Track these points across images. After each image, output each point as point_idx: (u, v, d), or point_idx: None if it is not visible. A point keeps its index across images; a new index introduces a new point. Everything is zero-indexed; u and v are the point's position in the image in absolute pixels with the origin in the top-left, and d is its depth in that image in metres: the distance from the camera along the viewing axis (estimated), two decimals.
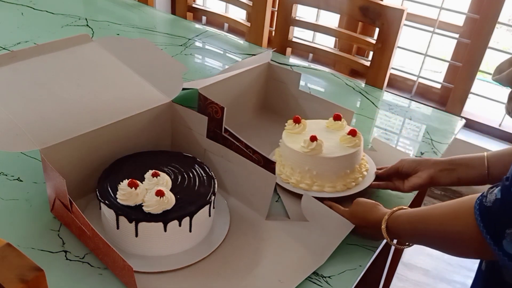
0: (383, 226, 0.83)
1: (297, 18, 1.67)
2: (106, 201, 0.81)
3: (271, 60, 1.26)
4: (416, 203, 1.26)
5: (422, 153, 1.19)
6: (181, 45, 1.61)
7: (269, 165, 0.92)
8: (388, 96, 1.48)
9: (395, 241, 0.85)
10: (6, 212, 0.89)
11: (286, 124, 1.06)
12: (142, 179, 0.85)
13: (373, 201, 0.91)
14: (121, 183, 0.83)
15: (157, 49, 1.20)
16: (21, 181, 0.97)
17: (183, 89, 1.15)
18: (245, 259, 0.84)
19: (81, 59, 1.07)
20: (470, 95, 2.19)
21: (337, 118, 1.06)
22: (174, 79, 1.07)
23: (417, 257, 1.96)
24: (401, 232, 0.83)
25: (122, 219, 0.79)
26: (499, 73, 0.74)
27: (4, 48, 1.45)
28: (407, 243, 0.86)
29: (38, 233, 0.85)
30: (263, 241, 0.88)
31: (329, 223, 0.91)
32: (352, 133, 1.01)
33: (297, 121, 1.05)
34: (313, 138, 0.98)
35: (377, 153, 1.14)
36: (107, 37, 1.33)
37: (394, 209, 0.84)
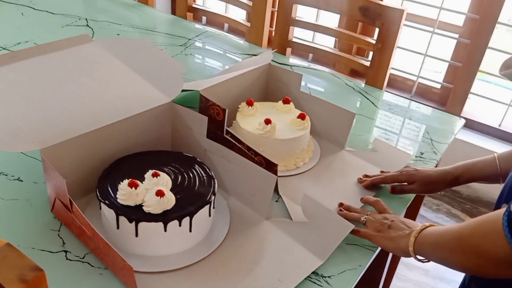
0: (411, 249, 0.81)
1: (297, 18, 1.67)
2: (106, 201, 0.81)
3: (272, 60, 1.25)
4: (416, 202, 1.26)
5: (422, 153, 1.19)
6: (181, 45, 1.61)
7: (271, 168, 0.92)
8: (388, 96, 1.48)
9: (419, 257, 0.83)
10: (6, 212, 0.89)
11: (239, 106, 1.11)
12: (142, 179, 0.85)
13: None
14: (121, 183, 0.83)
15: (158, 49, 1.20)
16: (21, 181, 0.97)
17: (184, 90, 1.15)
18: (245, 259, 0.84)
19: (81, 59, 1.07)
20: (470, 95, 2.20)
21: (286, 101, 1.14)
22: (174, 79, 1.07)
23: None
24: (428, 253, 0.80)
25: (122, 219, 0.79)
26: (506, 68, 0.73)
27: (4, 48, 1.45)
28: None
29: (38, 233, 0.85)
30: (263, 241, 0.88)
31: (329, 223, 0.91)
32: (301, 116, 1.08)
33: (250, 103, 1.11)
34: (268, 121, 1.04)
35: (378, 153, 1.15)
36: (108, 37, 1.33)
37: (422, 227, 0.82)
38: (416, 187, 1.01)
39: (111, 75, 1.05)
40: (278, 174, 1.01)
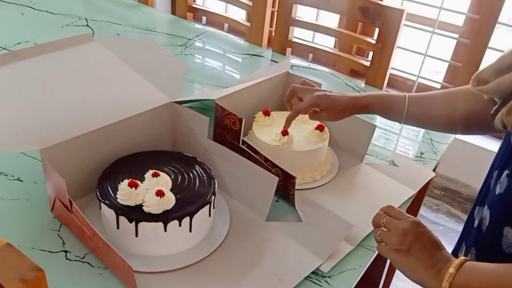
0: (445, 284, 0.65)
1: (297, 18, 1.67)
2: (106, 201, 0.81)
3: (291, 67, 1.22)
4: (416, 202, 1.26)
5: (422, 153, 1.19)
6: (181, 45, 1.61)
7: (289, 180, 0.92)
8: None
9: None
10: (6, 212, 0.89)
11: (255, 116, 1.09)
12: (142, 179, 0.85)
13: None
14: (121, 183, 0.83)
15: (159, 49, 1.20)
16: (21, 181, 0.97)
17: (200, 100, 1.13)
18: (245, 259, 0.84)
19: (82, 59, 1.07)
20: None
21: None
22: (175, 79, 1.07)
23: None
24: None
25: (122, 219, 0.79)
26: (479, 84, 0.67)
27: (4, 48, 1.45)
28: None
29: (38, 233, 0.86)
30: (263, 241, 0.88)
31: (328, 224, 0.91)
32: (320, 128, 1.06)
33: (266, 113, 1.08)
34: (285, 132, 1.01)
35: (399, 168, 1.12)
36: (109, 36, 1.33)
37: (455, 266, 0.66)
38: (325, 115, 0.98)
39: (112, 75, 1.05)
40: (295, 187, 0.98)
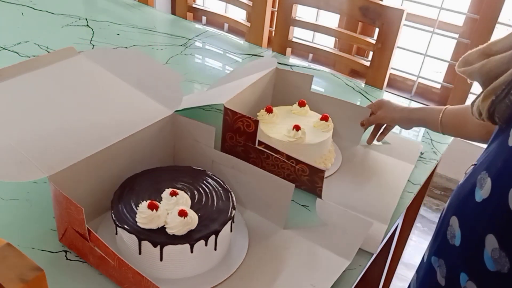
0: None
1: (297, 18, 1.67)
2: (125, 226, 0.77)
3: (278, 63, 1.22)
4: (416, 202, 1.26)
5: (422, 153, 1.19)
6: (181, 45, 1.61)
7: (317, 174, 0.92)
8: (388, 96, 1.48)
9: None
10: (6, 212, 0.89)
11: (257, 114, 1.10)
12: (158, 199, 0.81)
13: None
14: (139, 205, 0.79)
15: (149, 59, 1.14)
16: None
17: (200, 107, 1.11)
18: (273, 270, 0.82)
19: (71, 75, 1.01)
20: (470, 95, 2.20)
21: (301, 104, 1.13)
22: (172, 89, 1.01)
23: (417, 257, 1.96)
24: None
25: (145, 243, 0.75)
26: (465, 65, 0.66)
27: (4, 48, 1.45)
28: None
29: (38, 233, 0.85)
30: (285, 250, 0.86)
31: (348, 223, 0.88)
32: (325, 118, 1.08)
33: (269, 110, 1.09)
34: (297, 127, 1.02)
35: (392, 146, 1.18)
36: (95, 49, 1.28)
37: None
38: (381, 112, 1.12)
39: (107, 90, 1.00)
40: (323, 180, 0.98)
